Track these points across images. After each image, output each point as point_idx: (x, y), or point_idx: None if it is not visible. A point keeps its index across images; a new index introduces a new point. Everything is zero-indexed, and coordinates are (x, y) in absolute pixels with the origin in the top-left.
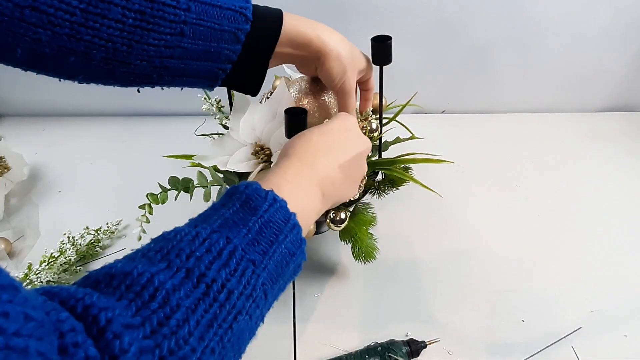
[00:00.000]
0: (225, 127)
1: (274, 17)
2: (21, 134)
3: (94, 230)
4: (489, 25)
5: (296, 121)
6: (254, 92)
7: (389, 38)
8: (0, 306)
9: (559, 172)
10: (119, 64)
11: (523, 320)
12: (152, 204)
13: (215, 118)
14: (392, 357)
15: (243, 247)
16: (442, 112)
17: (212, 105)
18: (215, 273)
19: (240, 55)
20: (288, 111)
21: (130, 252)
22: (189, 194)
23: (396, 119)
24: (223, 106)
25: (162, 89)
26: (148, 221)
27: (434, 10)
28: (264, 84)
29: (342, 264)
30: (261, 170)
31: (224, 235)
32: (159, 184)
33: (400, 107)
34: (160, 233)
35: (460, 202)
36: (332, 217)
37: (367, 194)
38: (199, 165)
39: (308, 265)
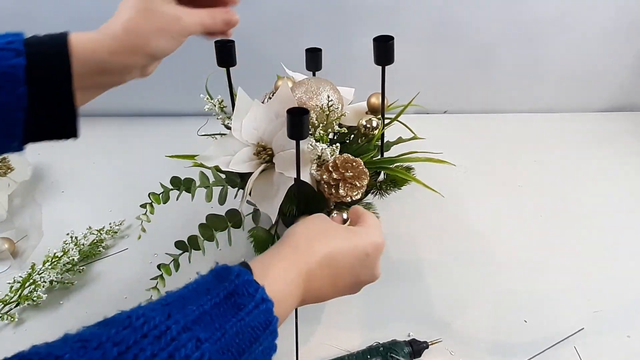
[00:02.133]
0: (228, 127)
1: (58, 44)
2: None
3: (97, 230)
4: (492, 25)
5: (299, 121)
6: (72, 135)
7: (391, 38)
8: None
9: (562, 172)
10: None
11: (525, 321)
12: (153, 203)
13: (217, 118)
14: (394, 358)
15: (211, 354)
16: (445, 112)
17: (215, 106)
18: None
19: (34, 99)
20: (290, 111)
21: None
22: (190, 194)
23: (398, 119)
24: (225, 106)
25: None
26: (149, 220)
27: (436, 10)
28: (264, 84)
29: None
30: (263, 170)
31: (195, 337)
32: (161, 184)
33: (403, 107)
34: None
35: (462, 202)
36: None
37: (369, 194)
38: (201, 165)
39: None
